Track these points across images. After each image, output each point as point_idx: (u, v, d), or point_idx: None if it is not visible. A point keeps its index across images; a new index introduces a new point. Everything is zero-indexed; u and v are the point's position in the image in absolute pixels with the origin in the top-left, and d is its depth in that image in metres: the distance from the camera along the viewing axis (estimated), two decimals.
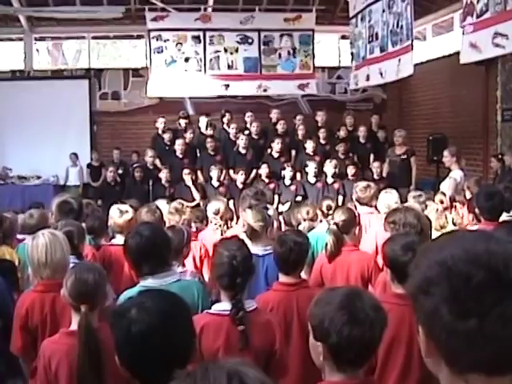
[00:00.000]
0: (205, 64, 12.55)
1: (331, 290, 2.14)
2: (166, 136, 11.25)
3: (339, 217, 4.42)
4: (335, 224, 4.36)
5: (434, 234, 4.31)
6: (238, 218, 5.39)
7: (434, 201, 6.25)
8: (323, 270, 4.33)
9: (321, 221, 5.69)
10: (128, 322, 1.77)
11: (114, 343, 1.82)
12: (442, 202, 6.20)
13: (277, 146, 10.46)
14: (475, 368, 1.04)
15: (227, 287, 2.77)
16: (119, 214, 4.79)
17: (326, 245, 4.35)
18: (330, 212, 5.40)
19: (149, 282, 3.11)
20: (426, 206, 5.81)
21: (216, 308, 2.82)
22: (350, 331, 1.92)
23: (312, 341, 2.03)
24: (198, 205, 8.97)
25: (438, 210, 5.89)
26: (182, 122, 11.67)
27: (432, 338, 1.08)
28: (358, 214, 5.10)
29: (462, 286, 1.02)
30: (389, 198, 5.36)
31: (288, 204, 9.22)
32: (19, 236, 5.08)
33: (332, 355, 1.96)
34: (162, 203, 5.78)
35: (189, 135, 11.15)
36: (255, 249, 3.97)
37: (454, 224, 5.74)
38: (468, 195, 5.84)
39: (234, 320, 2.70)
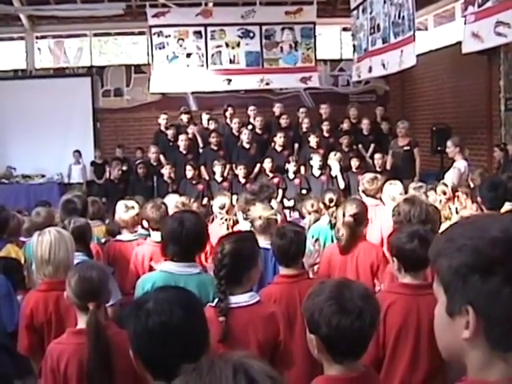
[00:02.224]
0: (207, 59, 12.53)
1: (322, 282, 2.15)
2: (170, 132, 11.25)
3: (353, 210, 4.25)
4: (351, 216, 4.21)
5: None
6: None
7: (436, 191, 6.22)
8: (332, 262, 4.26)
9: (323, 214, 5.66)
10: (146, 312, 1.77)
11: (129, 335, 1.82)
12: (444, 193, 6.16)
13: (279, 139, 10.45)
14: None
15: (216, 278, 2.84)
16: (125, 209, 4.81)
17: (338, 238, 4.30)
18: (332, 204, 5.35)
19: (167, 267, 3.21)
20: (428, 197, 5.78)
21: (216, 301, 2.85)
22: (338, 321, 1.94)
23: (308, 334, 2.04)
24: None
25: (440, 201, 5.87)
26: (184, 117, 11.66)
27: (484, 317, 1.05)
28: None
29: None
30: (393, 190, 5.35)
31: (292, 201, 9.22)
32: (23, 238, 5.10)
33: (325, 347, 1.98)
34: (173, 198, 5.67)
35: (190, 130, 11.15)
36: (264, 242, 3.89)
37: (458, 214, 5.72)
38: (472, 187, 5.82)
39: (216, 312, 2.71)
